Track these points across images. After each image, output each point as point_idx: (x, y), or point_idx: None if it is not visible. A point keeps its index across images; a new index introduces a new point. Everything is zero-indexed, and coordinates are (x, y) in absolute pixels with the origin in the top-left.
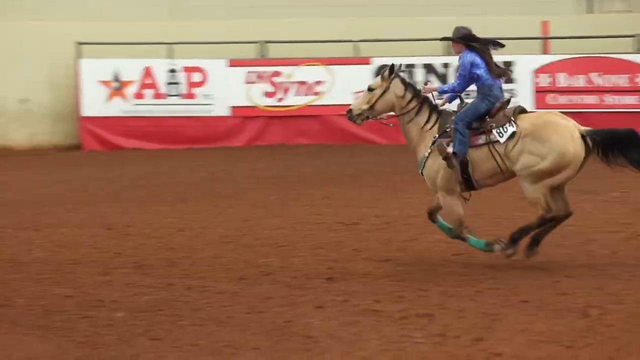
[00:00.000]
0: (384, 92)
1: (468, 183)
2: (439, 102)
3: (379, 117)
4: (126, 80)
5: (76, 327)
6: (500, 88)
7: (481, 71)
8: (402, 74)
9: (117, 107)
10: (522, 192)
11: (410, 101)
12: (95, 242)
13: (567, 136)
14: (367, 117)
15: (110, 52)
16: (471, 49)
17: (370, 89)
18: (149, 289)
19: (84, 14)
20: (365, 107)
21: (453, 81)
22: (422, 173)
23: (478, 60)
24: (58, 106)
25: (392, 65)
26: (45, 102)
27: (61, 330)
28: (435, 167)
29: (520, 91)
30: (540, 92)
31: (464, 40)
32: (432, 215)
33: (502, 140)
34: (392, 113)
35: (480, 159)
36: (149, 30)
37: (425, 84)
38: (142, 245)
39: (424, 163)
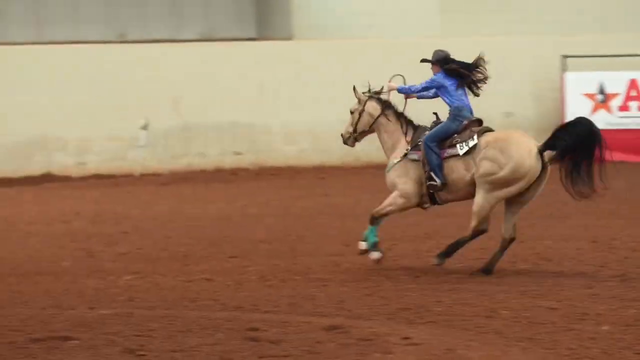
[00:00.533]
0: (361, 113)
1: (432, 197)
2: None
3: (364, 136)
4: (611, 93)
5: (560, 340)
6: (470, 110)
7: (447, 95)
8: (380, 94)
9: (602, 120)
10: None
11: (387, 117)
12: (580, 255)
13: (525, 149)
14: (355, 139)
15: (594, 64)
16: (447, 72)
17: (351, 112)
18: (634, 302)
19: (568, 27)
20: (350, 129)
21: (416, 84)
22: (385, 173)
23: (447, 83)
24: (542, 120)
25: (368, 87)
26: (530, 115)
27: (546, 342)
28: (401, 175)
29: None
30: None
31: (440, 63)
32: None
33: (461, 152)
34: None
35: (445, 172)
36: (634, 42)
37: (389, 80)
38: (626, 259)
39: (391, 168)
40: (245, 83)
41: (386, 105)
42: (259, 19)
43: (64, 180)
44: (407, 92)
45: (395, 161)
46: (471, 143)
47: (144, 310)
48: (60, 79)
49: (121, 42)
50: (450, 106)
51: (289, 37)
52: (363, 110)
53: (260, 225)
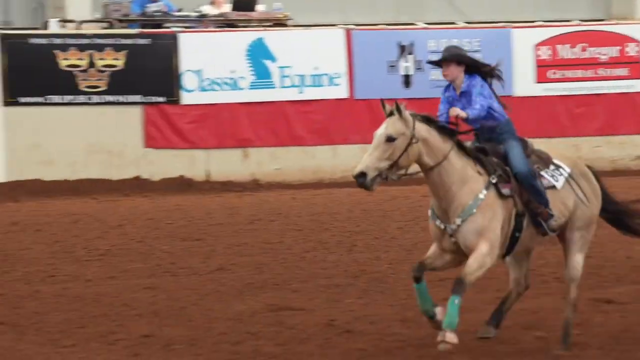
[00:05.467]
0: (411, 142)
1: (510, 246)
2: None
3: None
4: None
5: None
6: None
7: (496, 104)
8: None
9: None
10: (566, 255)
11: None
12: None
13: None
14: (386, 178)
15: None
16: (484, 75)
17: (390, 139)
18: None
19: None
20: (382, 165)
21: (475, 104)
22: (458, 219)
23: (488, 89)
24: None
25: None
26: None
27: None
28: (492, 218)
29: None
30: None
31: (464, 63)
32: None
33: (558, 185)
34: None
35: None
36: None
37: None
38: None
39: (474, 208)
40: None
41: (441, 127)
42: None
43: None
44: (475, 119)
45: (482, 195)
46: (565, 172)
47: None
48: None
49: None
50: (498, 122)
51: None
52: (413, 136)
53: None
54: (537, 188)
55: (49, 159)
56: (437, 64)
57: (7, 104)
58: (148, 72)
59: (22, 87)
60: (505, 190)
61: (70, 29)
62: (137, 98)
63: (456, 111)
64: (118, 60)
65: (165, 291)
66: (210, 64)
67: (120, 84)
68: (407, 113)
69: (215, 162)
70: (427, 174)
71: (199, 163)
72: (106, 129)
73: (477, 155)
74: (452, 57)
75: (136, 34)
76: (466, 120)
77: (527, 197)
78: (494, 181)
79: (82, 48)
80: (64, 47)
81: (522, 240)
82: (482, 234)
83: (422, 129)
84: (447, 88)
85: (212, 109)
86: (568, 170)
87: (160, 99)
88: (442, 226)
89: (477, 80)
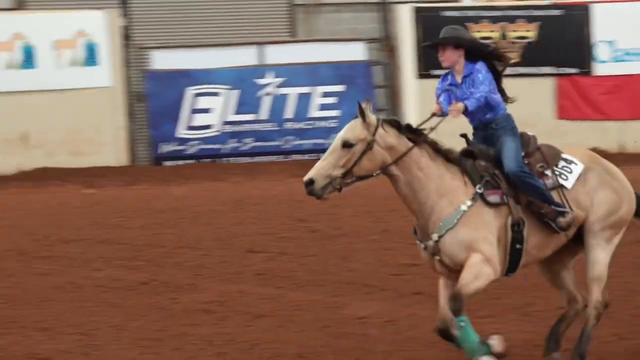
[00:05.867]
0: (369, 147)
1: (512, 263)
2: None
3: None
4: None
5: None
6: None
7: (493, 98)
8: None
9: None
10: (587, 255)
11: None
12: None
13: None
14: (340, 188)
15: None
16: (487, 61)
17: (347, 145)
18: None
19: None
20: (336, 172)
21: (475, 94)
22: (439, 235)
23: (491, 77)
24: None
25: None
26: None
27: None
28: (479, 228)
29: None
30: None
31: (466, 47)
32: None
33: (568, 184)
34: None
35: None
36: None
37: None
38: None
39: (456, 221)
40: None
41: (418, 134)
42: None
43: None
44: (475, 108)
45: (465, 207)
46: (577, 169)
47: None
48: None
49: None
50: (494, 116)
51: None
52: (373, 141)
53: None
54: (535, 185)
55: None
56: (434, 47)
57: (422, 76)
58: (560, 44)
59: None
60: (493, 198)
61: (482, 1)
62: (549, 70)
63: (453, 108)
64: (530, 32)
65: None
66: (624, 35)
67: (533, 56)
68: (372, 116)
69: (629, 133)
70: (396, 186)
71: (611, 134)
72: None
73: (461, 162)
74: (449, 40)
75: (549, 5)
76: (465, 112)
77: (526, 199)
78: (480, 191)
79: (494, 20)
80: (476, 20)
81: (528, 251)
82: (470, 246)
83: (387, 135)
84: (444, 77)
85: (626, 80)
86: (581, 166)
87: (573, 71)
88: (422, 245)
89: (481, 65)
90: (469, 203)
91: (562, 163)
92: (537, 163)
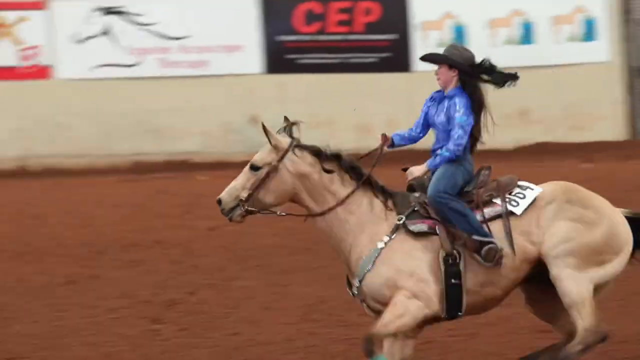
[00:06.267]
0: (274, 170)
1: (453, 301)
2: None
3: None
4: None
5: None
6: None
7: (465, 138)
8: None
9: None
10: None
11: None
12: None
13: (614, 208)
14: (247, 212)
15: None
16: (465, 86)
17: (253, 167)
18: None
19: None
20: (243, 194)
21: (448, 144)
22: (360, 272)
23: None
24: None
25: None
26: None
27: None
28: (403, 261)
29: None
30: None
31: (462, 67)
32: None
33: (518, 211)
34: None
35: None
36: None
37: (405, 169)
38: None
39: (374, 258)
40: None
41: (337, 158)
42: None
43: None
44: (440, 163)
45: (382, 244)
46: (530, 195)
47: None
48: None
49: None
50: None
51: None
52: (280, 163)
53: None
54: (457, 211)
55: None
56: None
57: None
58: None
59: None
60: (417, 227)
61: None
62: None
63: (411, 173)
64: None
65: None
66: None
67: None
68: (281, 139)
69: None
70: (314, 220)
71: None
72: None
73: (389, 194)
74: (443, 59)
75: None
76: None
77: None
78: (400, 222)
79: None
80: None
81: (471, 289)
82: (394, 285)
83: (301, 161)
84: (432, 97)
85: None
86: (538, 191)
87: None
88: (350, 293)
89: (464, 101)
90: (386, 239)
91: (516, 190)
92: (487, 192)
